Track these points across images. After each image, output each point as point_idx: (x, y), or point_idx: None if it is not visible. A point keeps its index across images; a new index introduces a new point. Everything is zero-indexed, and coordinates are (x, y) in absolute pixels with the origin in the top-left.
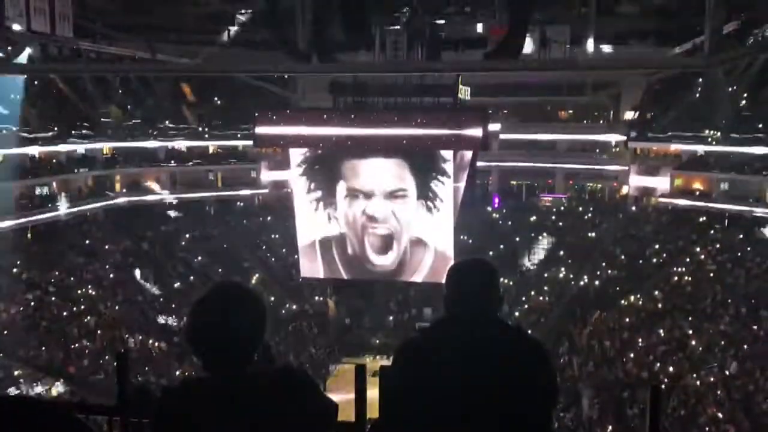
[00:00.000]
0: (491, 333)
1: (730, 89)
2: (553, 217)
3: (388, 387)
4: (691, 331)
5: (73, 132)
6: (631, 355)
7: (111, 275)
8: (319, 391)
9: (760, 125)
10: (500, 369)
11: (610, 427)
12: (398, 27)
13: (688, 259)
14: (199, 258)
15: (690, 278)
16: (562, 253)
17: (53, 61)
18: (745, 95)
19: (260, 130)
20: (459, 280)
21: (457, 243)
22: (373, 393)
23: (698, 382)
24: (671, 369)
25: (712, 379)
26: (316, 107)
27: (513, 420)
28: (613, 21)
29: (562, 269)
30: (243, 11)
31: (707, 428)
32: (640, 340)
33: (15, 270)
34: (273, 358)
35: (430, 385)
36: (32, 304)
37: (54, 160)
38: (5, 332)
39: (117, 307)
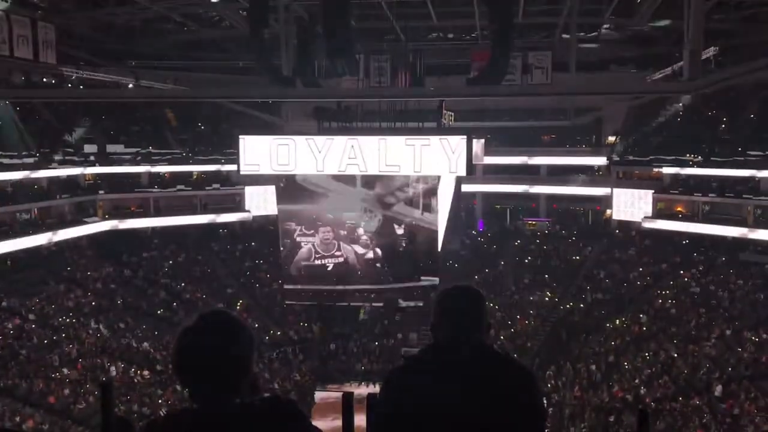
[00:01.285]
0: (479, 360)
1: (709, 113)
2: (538, 241)
3: (377, 417)
4: (676, 354)
5: (55, 157)
6: (617, 378)
7: (93, 302)
8: (306, 421)
9: (740, 148)
10: (488, 396)
11: None
12: (382, 53)
13: (672, 282)
14: (183, 284)
15: (674, 301)
16: (546, 276)
17: (37, 88)
18: (725, 119)
19: (244, 154)
20: (446, 307)
21: (443, 267)
22: (359, 420)
23: (684, 406)
24: (657, 392)
25: (697, 401)
26: (300, 132)
27: None
28: (594, 47)
29: (547, 293)
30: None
31: None
32: (625, 363)
33: None
34: (260, 389)
35: (419, 414)
36: (12, 332)
37: (35, 186)
38: None
39: (99, 335)
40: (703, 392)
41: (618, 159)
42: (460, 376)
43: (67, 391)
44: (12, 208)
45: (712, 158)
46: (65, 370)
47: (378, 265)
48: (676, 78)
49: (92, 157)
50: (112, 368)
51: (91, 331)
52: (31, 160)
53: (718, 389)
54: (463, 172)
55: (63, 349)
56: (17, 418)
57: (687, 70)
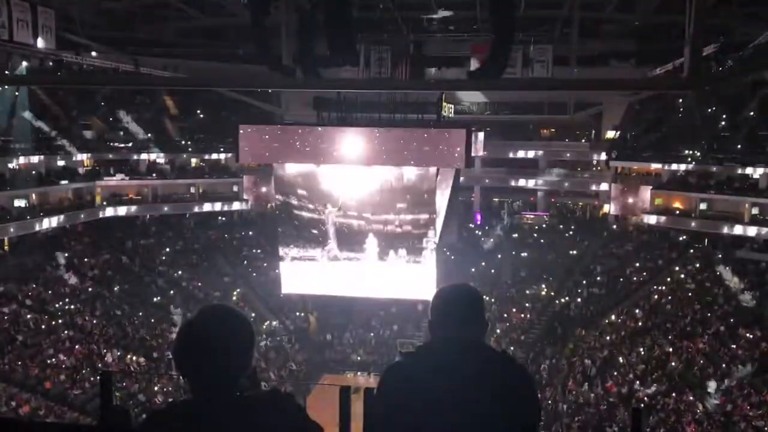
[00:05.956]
0: (476, 358)
1: (709, 110)
2: (535, 235)
3: (374, 412)
4: (670, 350)
5: (54, 143)
6: (614, 373)
7: (89, 289)
8: (304, 415)
9: (739, 146)
10: (484, 394)
11: None
12: (383, 44)
13: (668, 278)
14: (180, 272)
15: (670, 297)
16: (543, 270)
17: (35, 73)
18: (724, 116)
19: (243, 143)
20: (444, 306)
21: (440, 260)
22: (355, 410)
23: (677, 401)
24: (651, 388)
25: (691, 397)
26: (299, 122)
27: None
28: (594, 42)
29: (544, 287)
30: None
31: None
32: (620, 358)
33: None
34: (258, 382)
35: (416, 410)
36: (7, 317)
37: (33, 172)
38: None
39: (95, 322)
40: (697, 388)
41: (617, 154)
42: (458, 374)
43: (63, 377)
44: (10, 193)
45: (711, 155)
46: (61, 356)
47: None
48: (677, 74)
49: (91, 144)
50: (108, 355)
51: (87, 318)
52: (29, 146)
53: (712, 386)
54: (462, 166)
55: (59, 335)
56: (13, 403)
57: (687, 67)
